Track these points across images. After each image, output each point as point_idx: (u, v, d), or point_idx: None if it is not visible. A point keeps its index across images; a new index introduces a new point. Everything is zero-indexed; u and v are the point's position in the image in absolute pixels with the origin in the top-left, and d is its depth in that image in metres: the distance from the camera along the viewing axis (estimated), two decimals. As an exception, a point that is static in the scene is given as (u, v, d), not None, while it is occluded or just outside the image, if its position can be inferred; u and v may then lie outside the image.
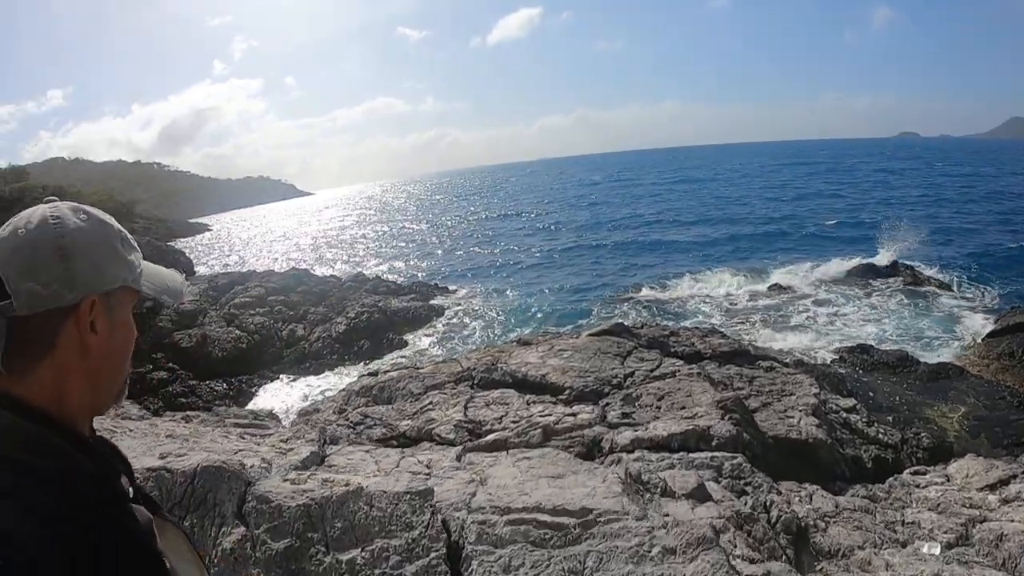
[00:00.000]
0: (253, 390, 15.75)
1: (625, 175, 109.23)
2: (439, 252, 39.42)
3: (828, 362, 13.85)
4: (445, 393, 9.31)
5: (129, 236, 1.13)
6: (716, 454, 5.91)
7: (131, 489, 1.09)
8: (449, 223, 58.64)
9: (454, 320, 21.52)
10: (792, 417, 7.86)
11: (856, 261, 23.32)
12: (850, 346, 14.90)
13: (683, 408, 7.39)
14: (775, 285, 21.89)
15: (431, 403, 8.96)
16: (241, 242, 64.35)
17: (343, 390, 11.81)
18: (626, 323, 13.41)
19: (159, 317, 18.33)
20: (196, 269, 30.08)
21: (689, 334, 12.48)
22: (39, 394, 0.99)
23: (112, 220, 1.11)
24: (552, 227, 44.67)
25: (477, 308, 23.08)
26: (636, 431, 6.57)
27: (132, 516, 1.01)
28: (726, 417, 6.80)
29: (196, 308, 19.58)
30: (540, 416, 7.58)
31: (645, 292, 23.01)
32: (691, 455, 5.91)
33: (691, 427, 6.44)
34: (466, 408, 8.33)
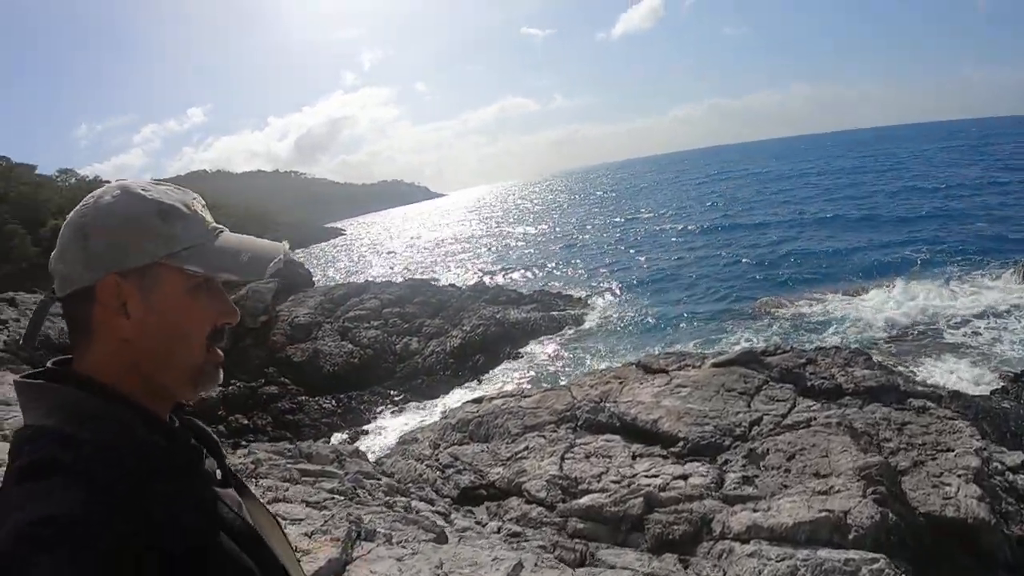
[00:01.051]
0: (361, 408, 15.52)
1: (761, 167, 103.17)
2: (564, 258, 38.29)
3: (989, 394, 12.02)
4: (544, 436, 8.52)
5: (184, 208, 1.03)
6: (852, 556, 4.79)
7: (219, 472, 1.08)
8: (576, 225, 57.24)
9: (575, 333, 20.53)
10: (949, 484, 6.51)
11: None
12: (1016, 372, 12.96)
13: (817, 474, 6.24)
14: (931, 296, 19.38)
15: (527, 448, 8.20)
16: (367, 248, 65.97)
17: (444, 416, 11.31)
18: (758, 346, 12.19)
19: (272, 331, 18.50)
20: (315, 279, 30.41)
21: (829, 362, 10.97)
22: (101, 372, 0.97)
23: (156, 193, 1.02)
24: (685, 229, 42.23)
25: (600, 320, 22.00)
26: (756, 511, 5.51)
27: (205, 486, 1.01)
28: (869, 493, 5.61)
29: (310, 321, 19.66)
30: (645, 476, 6.64)
31: (785, 304, 20.78)
32: (820, 554, 4.83)
33: (823, 514, 5.30)
34: (563, 459, 7.50)
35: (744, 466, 6.73)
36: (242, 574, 0.95)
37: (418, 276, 32.97)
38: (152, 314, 0.98)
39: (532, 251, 43.84)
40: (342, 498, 5.83)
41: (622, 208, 68.52)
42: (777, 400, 8.76)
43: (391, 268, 42.68)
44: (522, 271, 35.36)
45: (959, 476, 6.60)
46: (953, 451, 7.25)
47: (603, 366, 15.67)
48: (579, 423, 8.76)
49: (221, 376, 1.09)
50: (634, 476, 6.66)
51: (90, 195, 1.01)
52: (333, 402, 15.62)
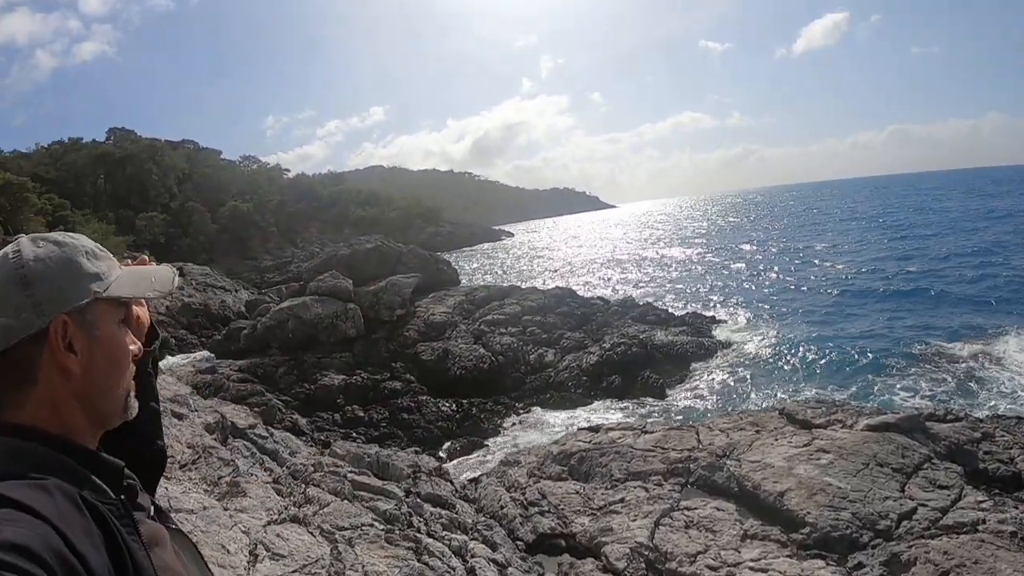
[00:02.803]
0: (481, 417, 14.83)
1: (950, 200, 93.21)
2: (725, 283, 35.74)
3: None
4: (646, 489, 7.38)
5: (96, 247, 1.11)
6: None
7: (152, 506, 1.12)
8: (741, 249, 53.73)
9: (720, 364, 18.80)
10: None
11: None
12: None
13: (976, 608, 4.73)
14: None
15: (623, 501, 7.11)
16: (528, 252, 66.13)
17: (553, 442, 10.35)
18: (925, 409, 10.40)
19: (407, 326, 18.22)
20: (463, 279, 30.09)
21: (1008, 439, 8.93)
22: (39, 418, 1.00)
23: (72, 238, 1.09)
24: (858, 262, 38.08)
25: (750, 353, 20.05)
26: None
27: (136, 530, 1.00)
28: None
29: (446, 321, 19.29)
30: (751, 568, 5.41)
31: (964, 356, 18.03)
32: None
33: None
34: (657, 524, 6.36)
35: (882, 576, 5.29)
36: None
37: (567, 285, 31.93)
38: (95, 347, 1.04)
39: (691, 272, 41.51)
40: (380, 527, 5.08)
41: (793, 236, 63.82)
42: (939, 487, 7.14)
43: (542, 274, 42.05)
44: (676, 292, 33.30)
45: None
46: None
47: (744, 406, 14.20)
48: (690, 479, 7.54)
49: (137, 405, 1.14)
50: (737, 565, 5.43)
51: (8, 250, 1.03)
52: (453, 406, 15.06)
